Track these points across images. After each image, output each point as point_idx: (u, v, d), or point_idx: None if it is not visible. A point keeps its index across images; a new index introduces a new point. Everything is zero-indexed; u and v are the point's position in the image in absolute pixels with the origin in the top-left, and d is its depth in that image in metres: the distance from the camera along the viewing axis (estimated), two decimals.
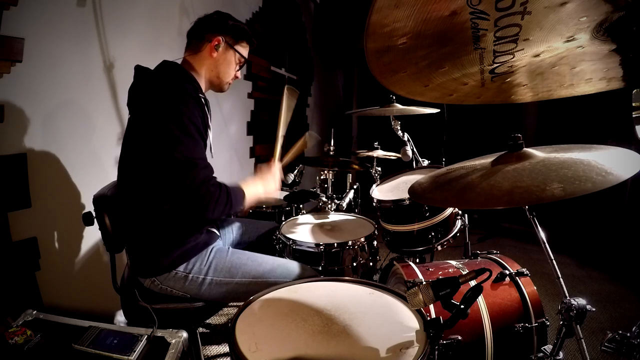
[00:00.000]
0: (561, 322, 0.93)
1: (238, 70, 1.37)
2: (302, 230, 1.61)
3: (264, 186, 1.34)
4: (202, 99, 1.21)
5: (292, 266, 1.29)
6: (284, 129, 1.55)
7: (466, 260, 1.31)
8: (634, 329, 0.93)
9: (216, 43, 1.27)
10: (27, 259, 1.43)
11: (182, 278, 1.20)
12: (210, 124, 1.28)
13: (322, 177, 1.95)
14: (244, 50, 1.35)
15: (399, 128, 1.90)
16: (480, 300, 1.08)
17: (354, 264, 1.46)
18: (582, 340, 0.92)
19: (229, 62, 1.32)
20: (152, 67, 1.24)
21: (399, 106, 1.87)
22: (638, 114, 1.59)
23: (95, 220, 1.25)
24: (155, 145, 1.09)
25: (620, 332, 0.93)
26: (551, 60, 0.82)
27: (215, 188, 1.10)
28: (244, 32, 1.33)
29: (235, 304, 1.88)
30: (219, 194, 1.11)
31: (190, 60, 1.29)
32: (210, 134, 1.27)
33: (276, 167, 1.44)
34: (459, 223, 1.52)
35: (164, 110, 1.09)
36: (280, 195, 2.24)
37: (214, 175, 1.14)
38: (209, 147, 1.26)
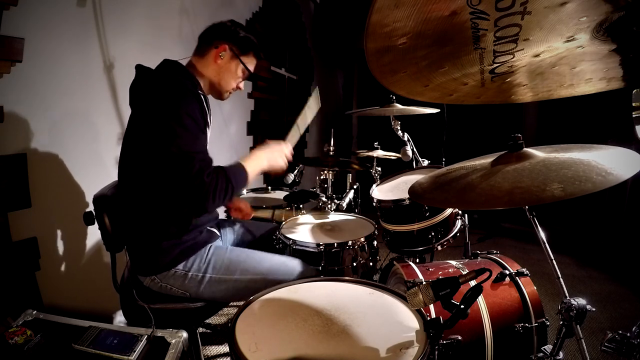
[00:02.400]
0: (561, 322, 0.93)
1: (241, 82, 1.36)
2: (302, 230, 1.61)
3: (268, 159, 1.28)
4: (201, 95, 1.21)
5: (291, 263, 1.29)
6: (304, 126, 1.49)
7: (466, 260, 1.31)
8: (634, 329, 0.93)
9: (222, 50, 1.27)
10: (27, 259, 1.43)
11: (182, 276, 1.20)
12: (209, 121, 1.28)
13: (322, 177, 1.95)
14: (249, 63, 1.34)
15: (399, 128, 1.90)
16: (480, 300, 1.08)
17: (354, 264, 1.46)
18: (582, 340, 0.92)
19: (231, 71, 1.31)
20: (152, 67, 1.25)
21: (399, 106, 1.87)
22: (638, 114, 1.59)
23: (95, 220, 1.25)
24: (153, 140, 1.10)
25: (620, 332, 0.93)
26: (551, 60, 0.82)
27: (210, 178, 1.08)
28: (253, 45, 1.32)
29: (235, 304, 1.88)
30: (217, 182, 1.08)
31: (195, 62, 1.30)
32: (209, 131, 1.27)
33: (287, 145, 1.37)
34: (459, 223, 1.52)
35: (161, 105, 1.09)
36: (281, 194, 2.24)
37: (211, 165, 1.12)
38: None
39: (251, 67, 1.35)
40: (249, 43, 1.32)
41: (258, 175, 1.25)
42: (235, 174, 1.15)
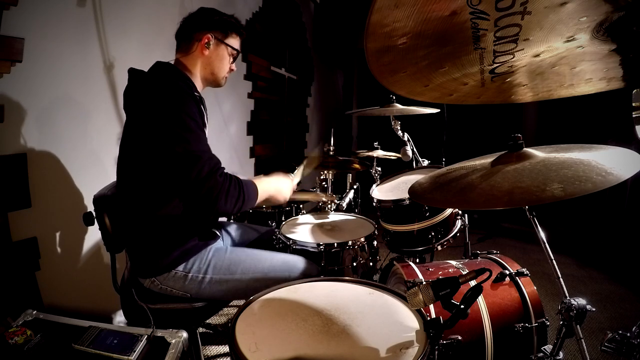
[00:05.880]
0: (561, 322, 0.93)
1: (232, 63, 1.36)
2: (302, 230, 1.61)
3: (276, 188, 1.32)
4: (198, 97, 1.21)
5: (292, 260, 1.29)
6: (307, 171, 1.56)
7: (466, 260, 1.31)
8: (634, 329, 0.93)
9: (206, 41, 1.26)
10: (27, 259, 1.43)
11: (182, 278, 1.20)
12: (207, 122, 1.28)
13: (322, 177, 1.95)
14: (235, 42, 1.34)
15: (399, 128, 1.90)
16: (480, 300, 1.08)
17: (354, 264, 1.46)
18: (582, 340, 0.92)
19: (222, 57, 1.31)
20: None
21: (399, 106, 1.87)
22: (638, 114, 1.59)
23: (95, 220, 1.25)
24: (156, 145, 1.09)
25: (620, 332, 0.93)
26: (551, 60, 0.82)
27: (223, 178, 1.09)
28: (232, 25, 1.32)
29: (235, 303, 1.88)
30: (229, 184, 1.09)
31: (182, 61, 1.28)
32: (207, 132, 1.27)
33: (292, 180, 1.44)
34: (459, 223, 1.52)
35: (161, 109, 1.09)
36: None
37: (220, 165, 1.13)
38: None
39: (237, 46, 1.35)
40: (228, 24, 1.31)
41: (261, 200, 1.26)
42: (247, 185, 1.17)
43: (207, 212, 1.14)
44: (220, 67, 1.32)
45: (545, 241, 1.01)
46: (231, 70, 1.37)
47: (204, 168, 1.06)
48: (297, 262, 1.29)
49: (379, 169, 2.16)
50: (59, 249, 1.58)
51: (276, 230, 1.56)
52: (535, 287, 1.13)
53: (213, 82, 1.35)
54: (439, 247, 1.45)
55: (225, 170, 1.14)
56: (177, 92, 1.12)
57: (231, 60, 1.35)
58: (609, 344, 0.94)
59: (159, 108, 1.09)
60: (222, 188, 1.08)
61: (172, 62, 1.29)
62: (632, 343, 0.91)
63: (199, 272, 1.21)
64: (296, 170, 1.56)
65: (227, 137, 2.80)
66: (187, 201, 1.13)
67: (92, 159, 1.72)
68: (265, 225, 1.77)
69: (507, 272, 1.15)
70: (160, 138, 1.08)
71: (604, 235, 3.11)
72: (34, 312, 1.13)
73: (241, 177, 1.19)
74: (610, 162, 0.72)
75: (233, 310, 1.13)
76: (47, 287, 1.48)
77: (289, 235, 1.49)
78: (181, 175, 1.07)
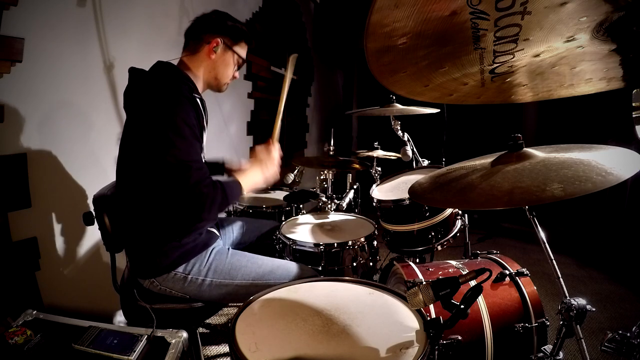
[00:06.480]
0: (561, 322, 0.93)
1: (236, 71, 1.36)
2: (302, 230, 1.61)
3: (263, 173, 1.29)
4: (197, 99, 1.20)
5: (292, 267, 1.29)
6: (284, 101, 1.45)
7: (466, 260, 1.31)
8: (634, 329, 0.93)
9: (214, 45, 1.26)
10: (27, 259, 1.43)
11: (182, 279, 1.20)
12: (205, 125, 1.27)
13: (322, 177, 1.95)
14: (242, 51, 1.34)
15: (399, 128, 1.90)
16: (480, 300, 1.08)
17: (354, 264, 1.46)
18: (582, 340, 0.92)
19: (227, 64, 1.31)
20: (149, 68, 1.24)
21: (399, 106, 1.87)
22: (638, 114, 1.59)
23: (95, 220, 1.25)
24: (150, 148, 1.08)
25: (620, 332, 0.93)
26: (551, 60, 0.82)
27: (208, 189, 1.08)
28: (243, 33, 1.32)
29: (235, 304, 1.88)
30: (214, 194, 1.09)
31: (187, 61, 1.28)
32: (205, 135, 1.26)
33: (275, 148, 1.36)
34: (459, 223, 1.52)
35: (157, 112, 1.08)
36: (281, 194, 2.24)
37: (208, 176, 1.12)
38: (203, 148, 1.24)
39: (244, 55, 1.34)
40: (239, 31, 1.31)
41: (253, 190, 1.25)
42: (232, 190, 1.16)
43: (191, 219, 1.12)
44: (224, 73, 1.31)
45: (545, 241, 1.01)
46: (234, 77, 1.36)
47: (192, 178, 1.05)
48: (299, 270, 1.29)
49: (379, 169, 2.16)
50: (59, 249, 1.58)
51: (277, 229, 1.56)
52: (535, 287, 1.13)
53: (214, 86, 1.34)
54: (439, 247, 1.45)
55: (212, 178, 1.12)
56: (175, 96, 1.11)
57: (236, 68, 1.35)
58: (609, 344, 0.94)
59: (156, 110, 1.08)
60: (207, 198, 1.07)
61: (176, 61, 1.28)
62: (632, 343, 0.91)
63: (199, 274, 1.21)
64: (275, 122, 1.46)
65: (227, 137, 2.80)
66: (173, 207, 1.12)
67: (92, 159, 1.72)
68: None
69: (507, 272, 1.15)
70: (154, 142, 1.07)
71: (604, 235, 3.11)
72: (34, 312, 1.13)
73: (224, 177, 1.17)
74: (610, 162, 0.72)
75: (233, 310, 1.12)
76: (47, 287, 1.48)
77: (289, 235, 1.49)
78: (169, 183, 1.06)
